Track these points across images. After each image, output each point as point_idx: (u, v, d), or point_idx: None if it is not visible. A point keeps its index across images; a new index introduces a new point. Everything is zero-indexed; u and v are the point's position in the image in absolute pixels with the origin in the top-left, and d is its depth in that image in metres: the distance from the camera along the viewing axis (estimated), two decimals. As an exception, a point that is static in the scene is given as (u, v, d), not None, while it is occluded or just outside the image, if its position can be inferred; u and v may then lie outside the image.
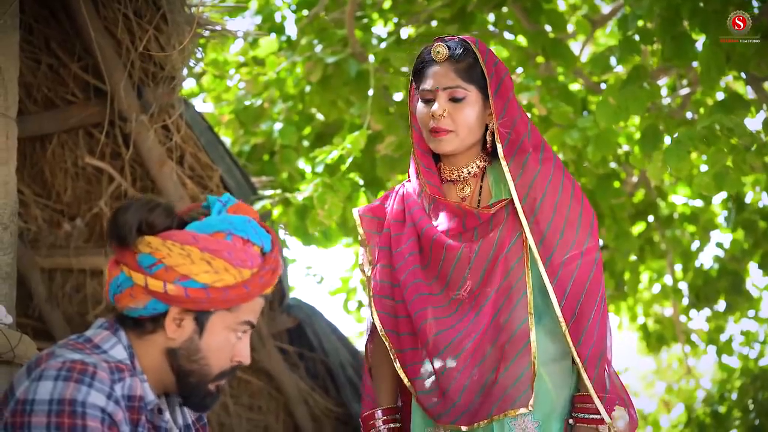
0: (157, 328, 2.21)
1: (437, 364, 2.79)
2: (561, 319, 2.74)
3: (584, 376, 2.73)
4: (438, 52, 2.82)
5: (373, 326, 2.96)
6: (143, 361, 2.22)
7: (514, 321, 2.76)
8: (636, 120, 5.80)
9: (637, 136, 5.51)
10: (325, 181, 4.65)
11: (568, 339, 2.74)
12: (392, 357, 2.87)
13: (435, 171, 2.92)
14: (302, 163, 6.50)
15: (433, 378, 2.81)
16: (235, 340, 2.24)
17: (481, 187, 2.90)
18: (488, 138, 2.86)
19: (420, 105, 2.87)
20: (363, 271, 3.00)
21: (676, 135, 4.55)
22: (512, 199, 2.82)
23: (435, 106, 2.81)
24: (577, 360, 2.74)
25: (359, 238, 3.01)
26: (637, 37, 4.95)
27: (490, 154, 2.91)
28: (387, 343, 2.87)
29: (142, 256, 2.17)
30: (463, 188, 2.90)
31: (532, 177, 2.81)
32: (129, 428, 2.13)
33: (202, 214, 2.24)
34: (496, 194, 2.87)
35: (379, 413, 2.95)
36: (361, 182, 5.79)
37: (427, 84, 2.84)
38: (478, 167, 2.90)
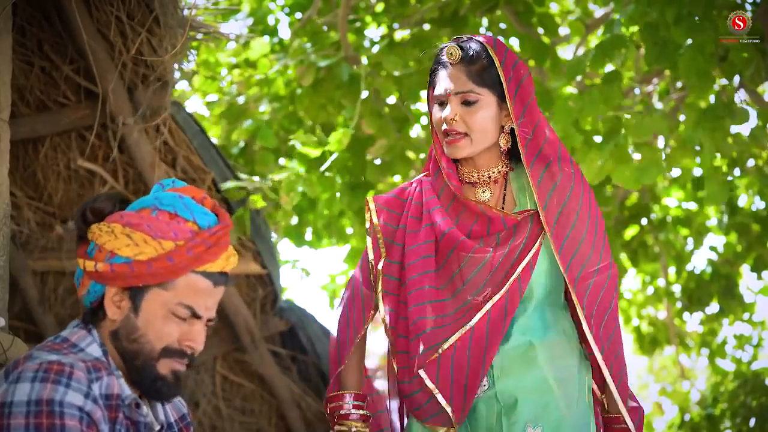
0: (105, 313, 2.26)
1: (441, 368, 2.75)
2: (591, 337, 2.73)
3: (614, 393, 2.78)
4: (451, 54, 2.75)
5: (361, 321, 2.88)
6: (113, 355, 2.25)
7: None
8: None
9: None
10: (298, 173, 4.65)
11: (598, 357, 2.74)
12: (391, 357, 2.83)
13: (455, 172, 2.85)
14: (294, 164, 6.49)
15: (424, 381, 2.76)
16: (178, 323, 2.23)
17: (504, 194, 2.83)
18: (502, 141, 2.79)
19: (435, 108, 2.81)
20: (372, 264, 2.87)
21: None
22: (537, 210, 2.77)
23: (447, 111, 2.76)
24: (608, 378, 2.76)
25: (368, 226, 2.89)
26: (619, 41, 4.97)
27: (511, 160, 2.85)
28: (390, 343, 2.82)
29: (91, 244, 2.26)
30: (483, 191, 2.83)
31: (554, 183, 2.76)
32: (108, 426, 2.14)
33: None
34: (521, 203, 2.82)
35: (347, 397, 2.85)
36: (339, 180, 5.74)
37: (439, 88, 2.78)
38: (499, 172, 2.83)
